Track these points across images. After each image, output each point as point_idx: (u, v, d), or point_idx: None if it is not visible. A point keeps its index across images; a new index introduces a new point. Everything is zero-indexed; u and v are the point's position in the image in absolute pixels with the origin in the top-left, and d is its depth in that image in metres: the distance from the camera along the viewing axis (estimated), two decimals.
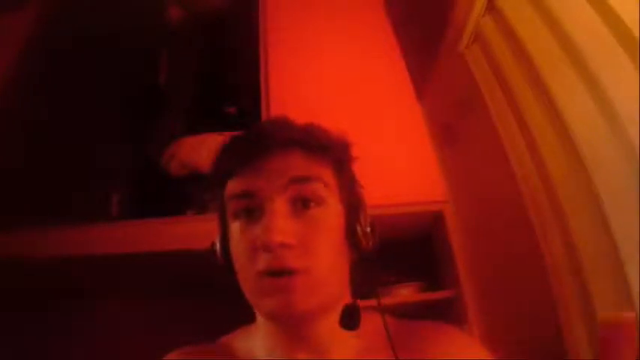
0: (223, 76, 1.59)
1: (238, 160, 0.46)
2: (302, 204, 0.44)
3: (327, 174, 0.46)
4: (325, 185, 0.45)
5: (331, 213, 0.45)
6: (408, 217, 1.18)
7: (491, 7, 1.17)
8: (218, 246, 0.49)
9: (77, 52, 1.43)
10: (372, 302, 0.47)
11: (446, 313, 1.16)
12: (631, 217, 0.73)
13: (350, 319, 0.44)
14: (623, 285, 0.74)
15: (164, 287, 1.25)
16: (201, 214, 1.21)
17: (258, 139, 0.46)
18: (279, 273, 0.41)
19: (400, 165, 1.20)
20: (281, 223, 0.42)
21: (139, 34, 1.55)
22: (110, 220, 1.28)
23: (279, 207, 0.43)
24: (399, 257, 1.21)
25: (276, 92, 1.30)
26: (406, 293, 1.17)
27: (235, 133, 0.49)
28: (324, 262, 0.43)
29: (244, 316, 0.51)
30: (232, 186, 0.46)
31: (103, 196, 1.35)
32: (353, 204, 0.48)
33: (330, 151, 0.47)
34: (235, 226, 0.45)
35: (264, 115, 1.27)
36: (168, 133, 1.39)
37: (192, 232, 1.05)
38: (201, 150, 1.26)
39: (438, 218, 1.21)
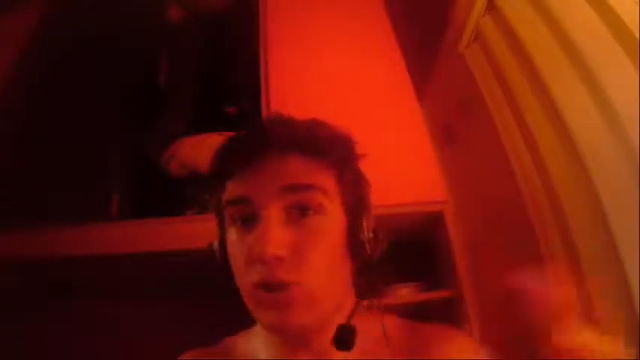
0: (223, 76, 1.59)
1: (236, 163, 0.44)
2: (298, 212, 0.42)
3: (326, 179, 0.44)
4: (324, 192, 0.43)
5: (330, 220, 0.43)
6: (408, 217, 1.18)
7: (491, 7, 1.17)
8: (217, 247, 0.48)
9: (77, 52, 1.43)
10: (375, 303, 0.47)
11: (446, 313, 1.16)
12: (631, 217, 0.73)
13: (343, 340, 0.42)
14: (623, 285, 0.74)
15: (164, 287, 1.25)
16: (201, 214, 1.21)
17: (257, 140, 0.45)
18: (273, 287, 0.40)
19: (400, 165, 1.20)
20: (274, 233, 0.40)
21: (139, 34, 1.55)
22: (110, 220, 1.28)
23: (274, 215, 0.41)
24: (399, 257, 1.20)
25: (276, 92, 1.29)
26: (406, 293, 1.17)
27: (235, 132, 0.49)
28: (319, 273, 0.41)
29: (244, 316, 0.51)
30: (229, 190, 0.44)
31: (103, 196, 1.35)
32: (355, 209, 0.46)
33: (333, 153, 0.45)
34: (232, 231, 0.44)
35: (264, 115, 1.27)
36: (168, 133, 1.39)
37: (192, 232, 1.05)
38: (202, 150, 1.26)
39: (438, 218, 1.20)
